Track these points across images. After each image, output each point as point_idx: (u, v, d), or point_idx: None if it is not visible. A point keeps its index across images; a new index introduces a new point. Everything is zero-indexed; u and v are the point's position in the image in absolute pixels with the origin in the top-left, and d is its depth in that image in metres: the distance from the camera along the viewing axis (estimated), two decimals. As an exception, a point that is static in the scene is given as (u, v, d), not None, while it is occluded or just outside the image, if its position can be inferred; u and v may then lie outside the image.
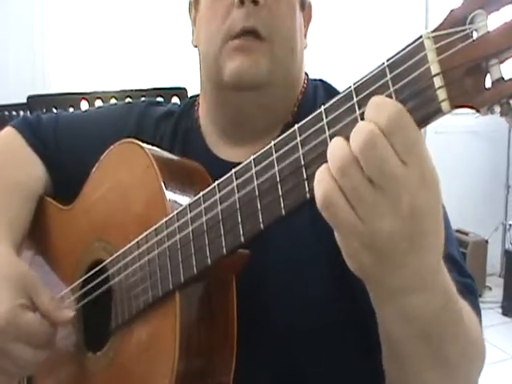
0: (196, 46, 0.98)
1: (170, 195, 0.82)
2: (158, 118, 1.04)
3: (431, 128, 0.55)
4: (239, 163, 0.69)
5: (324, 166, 0.56)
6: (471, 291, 0.78)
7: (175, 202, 0.81)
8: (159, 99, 1.74)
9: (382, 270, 0.57)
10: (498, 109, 0.49)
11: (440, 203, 0.57)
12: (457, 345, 0.67)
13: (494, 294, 4.00)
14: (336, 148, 0.55)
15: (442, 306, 0.62)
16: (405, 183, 0.53)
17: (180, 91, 1.93)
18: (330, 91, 0.98)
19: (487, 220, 4.15)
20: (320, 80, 1.01)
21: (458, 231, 3.88)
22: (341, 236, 0.57)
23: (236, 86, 0.88)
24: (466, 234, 3.96)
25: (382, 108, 0.53)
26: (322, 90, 0.98)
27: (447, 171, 3.92)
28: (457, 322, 0.66)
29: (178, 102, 1.37)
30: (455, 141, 4.05)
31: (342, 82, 0.86)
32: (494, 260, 4.22)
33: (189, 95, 1.29)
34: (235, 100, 0.91)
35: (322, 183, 0.55)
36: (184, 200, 0.80)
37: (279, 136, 0.63)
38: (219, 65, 0.89)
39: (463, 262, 0.85)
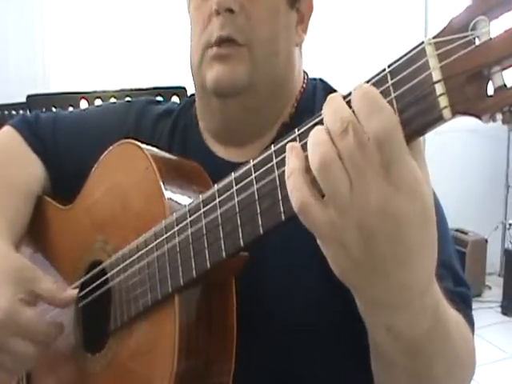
0: None
1: (169, 196, 0.81)
2: (157, 117, 1.04)
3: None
4: (237, 162, 0.69)
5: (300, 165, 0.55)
6: (465, 301, 0.77)
7: (174, 203, 0.81)
8: (159, 98, 1.73)
9: (363, 277, 0.56)
10: (499, 116, 0.49)
11: (430, 214, 0.55)
12: (444, 361, 0.66)
13: (493, 293, 4.00)
14: (314, 143, 0.54)
15: (430, 326, 0.60)
16: (380, 184, 0.52)
17: (180, 90, 1.93)
18: (329, 91, 0.97)
19: (487, 219, 4.15)
20: (320, 79, 1.01)
21: (457, 230, 3.89)
22: (320, 240, 0.56)
23: (217, 94, 0.89)
24: (466, 233, 3.96)
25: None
26: (321, 90, 0.98)
27: (447, 170, 3.93)
28: (445, 340, 0.65)
29: (178, 101, 1.37)
30: (455, 140, 4.04)
31: (342, 82, 0.86)
32: (494, 259, 4.22)
33: (188, 94, 1.29)
34: (220, 106, 0.92)
35: (298, 184, 0.55)
36: (183, 201, 0.80)
37: (277, 136, 0.63)
38: (202, 73, 0.90)
39: (459, 268, 0.84)
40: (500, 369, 3.15)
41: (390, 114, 0.51)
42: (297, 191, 0.55)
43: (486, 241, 4.02)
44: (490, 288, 4.08)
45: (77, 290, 0.93)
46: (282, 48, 0.91)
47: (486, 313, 3.73)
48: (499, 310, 3.84)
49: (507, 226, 4.23)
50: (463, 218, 3.73)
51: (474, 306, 0.83)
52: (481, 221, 4.07)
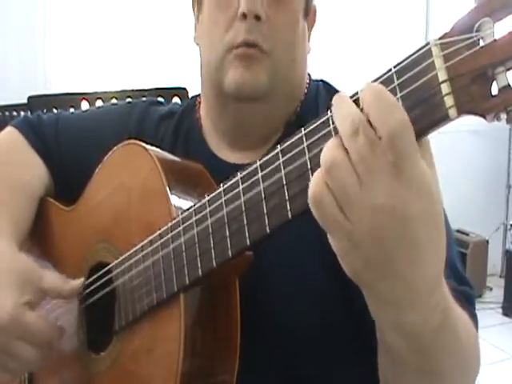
0: (198, 44, 0.98)
1: (174, 198, 0.82)
2: (160, 118, 1.04)
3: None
4: (241, 165, 0.70)
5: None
6: (468, 300, 0.78)
7: (179, 204, 0.81)
8: (160, 99, 1.74)
9: (372, 275, 0.57)
10: (504, 116, 0.49)
11: (438, 213, 0.56)
12: (452, 359, 0.67)
13: (494, 294, 4.00)
14: (326, 148, 0.55)
15: (439, 324, 0.61)
16: (390, 182, 0.52)
17: (181, 91, 1.94)
18: (331, 91, 0.98)
19: (488, 220, 4.15)
20: (321, 80, 1.02)
21: (458, 231, 3.88)
22: (331, 236, 0.57)
23: (235, 97, 0.89)
24: (467, 234, 3.96)
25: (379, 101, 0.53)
26: (323, 91, 0.99)
27: (448, 171, 3.91)
28: (453, 338, 0.65)
29: (179, 102, 1.37)
30: (456, 141, 4.04)
31: (344, 83, 0.86)
32: (495, 260, 4.22)
33: (189, 95, 1.29)
34: (235, 109, 0.92)
35: (313, 183, 0.55)
36: (188, 203, 0.80)
37: (282, 136, 0.63)
38: (221, 74, 0.89)
39: (462, 269, 0.85)
40: (501, 370, 3.15)
41: (403, 112, 0.52)
42: (313, 184, 0.55)
43: (487, 242, 4.02)
44: (490, 289, 4.08)
45: (80, 280, 0.93)
46: (299, 55, 0.93)
47: (487, 314, 3.73)
48: (500, 311, 3.84)
49: (508, 227, 4.23)
50: (464, 219, 3.72)
51: (475, 306, 0.83)
52: (482, 222, 4.07)
